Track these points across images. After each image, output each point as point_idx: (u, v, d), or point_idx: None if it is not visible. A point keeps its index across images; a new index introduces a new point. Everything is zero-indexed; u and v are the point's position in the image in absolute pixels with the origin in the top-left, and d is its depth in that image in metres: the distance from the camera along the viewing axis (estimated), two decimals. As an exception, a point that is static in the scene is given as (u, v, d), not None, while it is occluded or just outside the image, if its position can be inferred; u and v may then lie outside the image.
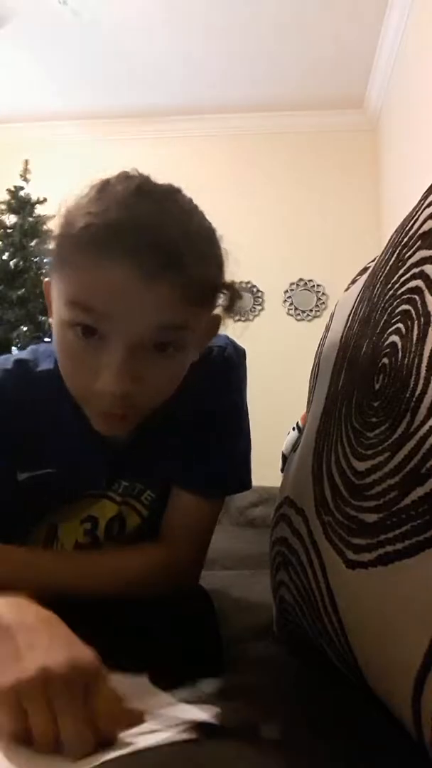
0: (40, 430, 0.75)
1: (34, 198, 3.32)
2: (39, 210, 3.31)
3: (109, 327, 0.60)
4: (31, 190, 3.33)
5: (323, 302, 3.87)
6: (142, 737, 0.46)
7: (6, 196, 3.34)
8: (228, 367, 0.84)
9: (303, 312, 3.89)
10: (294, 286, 3.93)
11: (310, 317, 3.88)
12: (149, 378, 0.62)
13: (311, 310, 3.88)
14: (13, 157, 3.46)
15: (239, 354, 0.87)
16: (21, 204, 3.31)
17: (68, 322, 0.61)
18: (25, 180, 3.38)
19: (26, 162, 3.41)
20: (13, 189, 3.34)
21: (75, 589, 0.69)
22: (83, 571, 0.73)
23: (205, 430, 0.81)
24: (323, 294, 3.88)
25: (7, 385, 0.74)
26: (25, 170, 3.40)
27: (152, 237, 0.58)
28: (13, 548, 0.73)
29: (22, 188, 3.35)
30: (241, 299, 0.74)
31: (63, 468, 0.76)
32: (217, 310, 0.71)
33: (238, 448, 0.86)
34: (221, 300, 0.70)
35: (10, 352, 3.05)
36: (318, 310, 3.87)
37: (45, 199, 3.32)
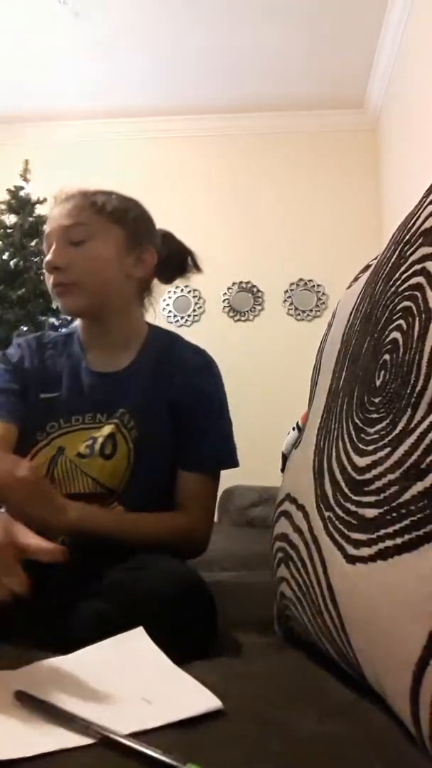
0: (55, 366, 1.10)
1: (34, 198, 3.32)
2: (39, 210, 3.31)
3: (51, 240, 1.05)
4: (31, 190, 3.34)
5: (323, 302, 3.87)
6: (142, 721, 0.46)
7: (6, 196, 3.35)
8: (207, 362, 1.12)
9: (303, 312, 3.89)
10: (294, 286, 3.93)
11: (310, 317, 3.88)
12: (73, 261, 1.03)
13: (311, 310, 3.88)
14: (14, 155, 3.47)
15: (213, 361, 1.14)
16: (21, 204, 3.31)
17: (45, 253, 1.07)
18: (25, 180, 3.38)
19: (26, 162, 3.41)
20: (13, 189, 3.34)
21: (125, 538, 0.94)
22: (132, 526, 0.97)
23: (194, 415, 1.06)
24: (323, 294, 3.88)
25: (31, 339, 1.15)
26: (25, 170, 3.40)
27: (69, 191, 1.09)
28: (99, 509, 0.99)
29: (22, 188, 3.35)
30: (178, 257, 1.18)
31: (67, 391, 1.08)
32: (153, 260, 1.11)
33: (223, 430, 1.10)
34: (151, 243, 1.11)
35: (10, 351, 3.05)
36: (318, 310, 3.87)
37: (45, 199, 3.32)
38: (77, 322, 1.17)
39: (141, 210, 1.13)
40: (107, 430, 1.03)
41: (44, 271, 1.07)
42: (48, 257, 1.04)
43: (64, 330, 1.18)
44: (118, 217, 1.07)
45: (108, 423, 1.04)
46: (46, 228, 1.07)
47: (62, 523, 0.89)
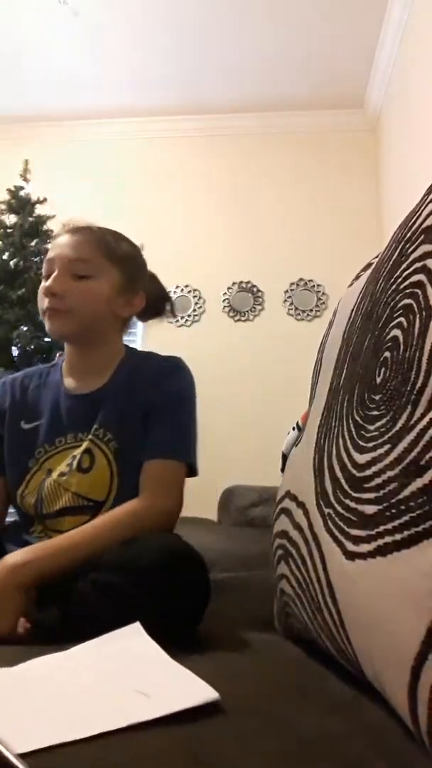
0: (37, 397, 1.19)
1: (34, 198, 3.32)
2: (39, 210, 3.31)
3: (54, 266, 1.12)
4: (31, 190, 3.34)
5: (323, 302, 3.87)
6: (139, 710, 0.46)
7: (6, 196, 3.34)
8: (177, 365, 1.18)
9: (303, 312, 3.89)
10: (294, 286, 3.93)
11: (310, 317, 3.88)
12: (71, 291, 1.10)
13: (311, 310, 3.88)
14: (14, 155, 3.47)
15: (185, 366, 1.20)
16: (21, 204, 3.31)
17: (44, 276, 1.15)
18: (25, 180, 3.38)
19: (26, 162, 3.41)
20: (13, 189, 3.34)
21: (103, 545, 0.91)
22: (102, 531, 0.95)
23: (158, 408, 1.10)
24: (323, 294, 3.88)
25: (18, 375, 1.24)
26: (25, 170, 3.40)
27: (78, 223, 1.19)
28: (55, 539, 0.96)
29: (22, 188, 3.35)
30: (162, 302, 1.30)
31: (49, 417, 1.15)
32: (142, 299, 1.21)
33: (183, 424, 1.13)
34: (137, 279, 1.20)
35: (10, 352, 3.05)
36: (318, 310, 3.87)
37: (45, 199, 3.32)
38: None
39: (139, 255, 1.24)
40: (84, 445, 1.10)
41: (40, 293, 1.14)
42: (48, 283, 1.11)
43: (52, 362, 1.29)
44: (120, 261, 1.16)
45: (87, 440, 1.10)
46: (50, 253, 1.14)
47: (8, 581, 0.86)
